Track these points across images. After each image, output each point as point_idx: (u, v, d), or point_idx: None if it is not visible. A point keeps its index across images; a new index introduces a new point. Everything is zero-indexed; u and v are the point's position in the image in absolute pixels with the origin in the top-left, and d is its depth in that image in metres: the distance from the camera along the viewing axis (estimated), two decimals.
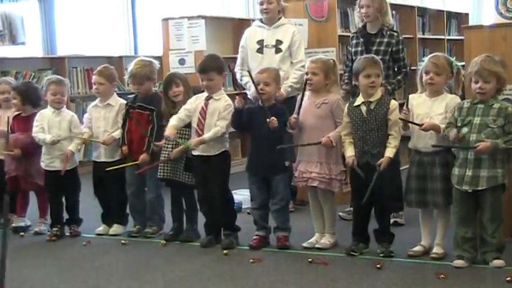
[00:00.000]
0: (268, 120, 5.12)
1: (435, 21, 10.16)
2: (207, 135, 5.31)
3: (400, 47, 6.03)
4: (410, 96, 5.09)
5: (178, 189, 5.69)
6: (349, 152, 5.04)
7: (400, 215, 5.86)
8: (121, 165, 5.74)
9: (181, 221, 5.74)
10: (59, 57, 10.39)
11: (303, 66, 6.17)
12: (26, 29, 13.75)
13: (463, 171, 4.68)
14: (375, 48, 6.00)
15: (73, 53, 10.93)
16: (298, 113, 5.20)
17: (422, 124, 4.79)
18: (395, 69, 6.02)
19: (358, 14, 6.21)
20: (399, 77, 5.98)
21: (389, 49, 5.98)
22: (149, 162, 5.66)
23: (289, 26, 6.49)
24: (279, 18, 6.47)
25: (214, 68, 5.41)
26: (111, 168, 5.71)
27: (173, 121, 5.38)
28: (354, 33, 6.28)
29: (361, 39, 6.11)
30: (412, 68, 7.37)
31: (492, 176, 4.64)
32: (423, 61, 5.04)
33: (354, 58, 5.86)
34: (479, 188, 4.64)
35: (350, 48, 6.20)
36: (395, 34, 6.06)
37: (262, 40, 6.40)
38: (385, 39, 6.01)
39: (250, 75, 5.51)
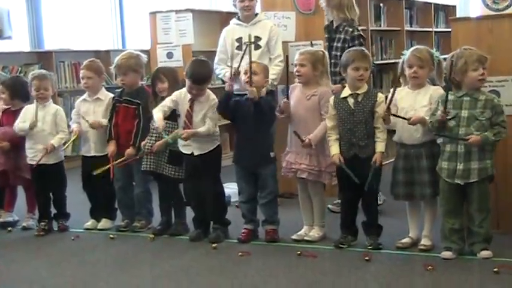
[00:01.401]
0: (248, 94, 5.14)
1: (423, 13, 10.19)
2: (201, 128, 5.31)
3: (356, 42, 5.98)
4: (392, 89, 5.10)
5: (165, 183, 5.68)
6: (334, 150, 5.04)
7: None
8: (108, 166, 5.70)
9: (169, 215, 5.73)
10: (46, 51, 10.32)
11: (281, 61, 6.21)
12: (13, 23, 13.69)
13: (454, 165, 4.69)
14: (334, 44, 6.09)
15: (60, 47, 10.88)
16: (287, 98, 5.22)
17: (410, 118, 4.80)
18: None
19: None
20: None
21: (346, 45, 5.95)
22: (136, 156, 5.65)
23: (266, 22, 6.50)
24: (256, 15, 6.49)
25: (208, 79, 5.44)
26: (99, 170, 5.67)
27: (159, 113, 5.35)
28: (325, 28, 6.36)
29: (327, 35, 6.21)
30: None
31: (483, 167, 4.67)
32: (404, 54, 5.04)
33: None
34: (471, 181, 4.66)
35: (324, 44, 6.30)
36: (350, 30, 6.04)
37: (241, 38, 6.40)
38: (342, 36, 6.05)
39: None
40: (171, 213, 5.74)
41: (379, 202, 5.83)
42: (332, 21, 6.24)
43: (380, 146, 4.95)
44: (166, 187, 5.69)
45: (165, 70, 5.89)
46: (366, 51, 5.26)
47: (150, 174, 5.70)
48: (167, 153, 5.53)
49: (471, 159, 4.66)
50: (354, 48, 5.40)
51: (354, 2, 6.25)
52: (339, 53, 5.86)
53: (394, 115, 4.87)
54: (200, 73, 5.37)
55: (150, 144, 5.55)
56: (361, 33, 6.17)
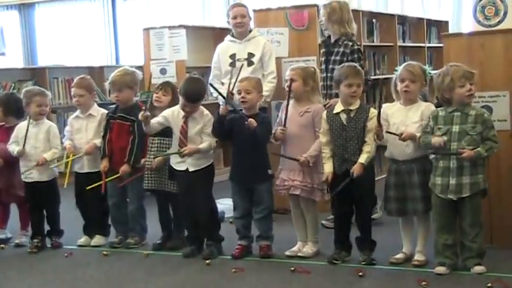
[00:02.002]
0: (246, 123, 5.14)
1: (415, 29, 10.22)
2: (202, 145, 5.33)
3: (355, 56, 6.04)
4: (384, 105, 5.13)
5: (164, 198, 5.69)
6: (328, 167, 5.06)
7: (374, 209, 5.88)
8: (101, 182, 5.70)
9: (170, 230, 5.75)
10: (39, 67, 10.35)
11: (274, 78, 6.30)
12: (6, 39, 13.72)
13: (446, 180, 4.71)
14: (332, 58, 6.12)
15: (54, 64, 10.89)
16: (284, 124, 5.22)
17: (402, 134, 4.82)
18: None
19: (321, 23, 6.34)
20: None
21: (345, 58, 6.01)
22: (130, 173, 5.66)
23: (260, 38, 6.56)
24: (250, 31, 6.54)
25: (201, 98, 5.47)
26: (91, 186, 5.68)
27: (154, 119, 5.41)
28: (322, 42, 6.41)
29: (324, 49, 6.25)
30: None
31: (474, 182, 4.68)
32: (396, 70, 5.07)
33: (321, 68, 6.06)
34: (464, 196, 4.68)
35: (320, 58, 6.34)
36: (350, 44, 6.10)
37: (235, 54, 6.46)
38: (341, 49, 6.09)
39: (214, 87, 5.69)
40: (171, 227, 5.75)
41: (376, 216, 5.89)
42: (329, 36, 6.27)
43: (361, 158, 4.94)
44: (166, 202, 5.69)
45: (174, 86, 5.84)
46: (359, 67, 5.29)
47: (152, 192, 5.73)
48: (167, 170, 5.54)
49: (463, 174, 4.67)
50: (347, 64, 5.42)
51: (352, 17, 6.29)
52: (336, 66, 5.89)
53: (386, 131, 4.88)
54: (194, 91, 5.38)
55: (149, 162, 5.57)
56: (360, 47, 6.22)
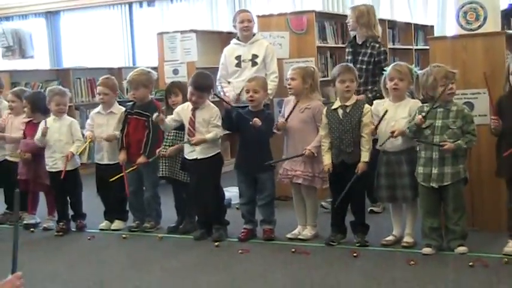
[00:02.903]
0: (251, 123, 5.13)
1: (404, 32, 10.18)
2: (208, 135, 5.31)
3: (382, 57, 6.02)
4: (374, 102, 5.13)
5: (179, 185, 5.68)
6: (327, 159, 5.05)
7: (377, 204, 5.89)
8: (122, 174, 5.69)
9: (184, 214, 5.74)
10: (64, 69, 10.33)
11: (276, 77, 6.31)
12: (34, 44, 13.72)
13: (429, 169, 4.70)
14: (360, 58, 6.07)
15: (77, 65, 10.88)
16: (287, 118, 5.21)
17: (393, 132, 4.80)
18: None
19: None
20: (370, 95, 5.91)
21: (372, 59, 6.00)
22: (146, 164, 5.66)
23: (263, 41, 6.54)
24: (253, 35, 6.52)
25: (208, 89, 5.44)
26: (114, 178, 5.67)
27: (169, 119, 5.42)
28: (349, 42, 6.33)
29: (351, 49, 6.19)
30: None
31: (455, 172, 4.68)
32: (385, 70, 5.05)
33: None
34: (445, 184, 4.67)
35: (346, 57, 6.26)
36: (377, 45, 6.06)
37: (240, 56, 6.45)
38: (369, 50, 6.04)
39: (220, 97, 5.74)
40: (185, 213, 5.75)
41: (378, 211, 5.87)
42: (355, 37, 6.20)
43: (364, 156, 4.94)
44: (180, 189, 5.69)
45: (179, 84, 5.91)
46: (350, 65, 5.33)
47: (166, 179, 5.73)
48: (180, 161, 5.54)
49: (445, 164, 4.66)
50: (340, 64, 5.42)
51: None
52: (364, 66, 5.92)
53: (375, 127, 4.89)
54: (200, 81, 5.39)
55: (164, 150, 5.57)
56: (386, 49, 6.20)
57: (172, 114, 5.54)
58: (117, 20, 13.80)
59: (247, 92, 5.34)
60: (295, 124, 5.25)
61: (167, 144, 5.62)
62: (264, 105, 5.57)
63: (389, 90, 4.98)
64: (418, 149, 4.86)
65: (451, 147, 4.60)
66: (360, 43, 6.12)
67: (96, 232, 5.86)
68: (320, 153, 5.13)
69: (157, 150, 5.63)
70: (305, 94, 5.26)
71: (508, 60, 4.88)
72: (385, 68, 5.14)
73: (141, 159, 5.67)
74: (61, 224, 5.89)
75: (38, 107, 6.09)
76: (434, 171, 4.68)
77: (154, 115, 5.33)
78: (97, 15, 13.99)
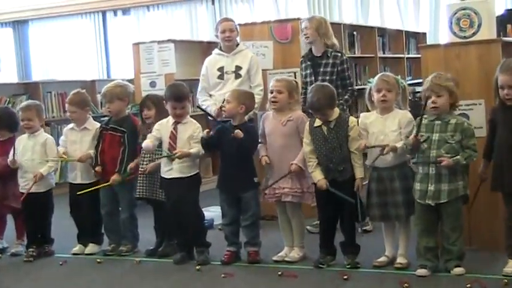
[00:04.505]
0: (232, 134, 5.14)
1: (395, 40, 10.28)
2: (193, 150, 5.31)
3: (345, 66, 6.10)
4: (361, 115, 5.15)
5: (158, 207, 5.67)
6: (318, 175, 5.05)
7: (366, 222, 5.91)
8: (93, 188, 5.69)
9: (163, 236, 5.73)
10: (33, 82, 10.31)
11: (261, 90, 6.35)
12: (1, 55, 13.69)
13: (425, 186, 4.72)
14: (321, 69, 6.10)
15: (47, 78, 10.87)
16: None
17: (384, 148, 4.82)
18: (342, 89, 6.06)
19: (303, 39, 6.30)
20: (346, 96, 6.02)
21: (335, 69, 6.06)
22: (121, 183, 5.64)
23: (247, 52, 6.57)
24: (237, 45, 6.54)
25: (187, 96, 5.47)
26: (83, 191, 5.67)
27: (150, 137, 5.40)
28: (302, 57, 6.37)
29: (309, 63, 6.22)
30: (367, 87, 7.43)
31: (453, 189, 4.69)
32: (370, 82, 5.09)
33: (304, 81, 6.08)
34: (441, 201, 4.69)
35: (301, 72, 6.31)
36: (339, 55, 6.14)
37: (223, 67, 6.46)
38: (330, 60, 6.09)
39: (202, 109, 5.80)
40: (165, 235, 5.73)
41: (369, 228, 5.89)
42: (310, 50, 6.26)
43: (358, 172, 4.97)
44: (160, 211, 5.67)
45: (153, 98, 5.89)
46: (325, 84, 5.34)
47: (145, 200, 5.73)
48: (159, 179, 5.53)
49: (442, 180, 4.69)
50: (315, 84, 5.44)
51: None
52: (327, 78, 5.95)
53: (371, 146, 4.90)
54: (178, 91, 5.41)
55: (143, 167, 5.56)
56: (347, 58, 6.25)
57: (147, 127, 5.55)
58: (90, 30, 13.82)
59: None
60: (279, 140, 5.26)
61: (145, 161, 5.61)
62: (249, 119, 5.58)
63: (376, 103, 5.00)
64: (411, 164, 4.88)
65: (449, 163, 4.62)
66: (319, 55, 6.18)
67: (68, 257, 5.81)
68: (306, 166, 5.14)
69: (129, 166, 5.61)
70: (288, 108, 5.29)
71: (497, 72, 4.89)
72: (369, 80, 5.18)
73: (116, 177, 5.65)
74: (31, 250, 5.83)
75: (5, 123, 6.06)
76: (431, 187, 4.70)
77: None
78: (68, 24, 14.00)
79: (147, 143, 5.34)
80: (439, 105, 4.72)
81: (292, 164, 5.15)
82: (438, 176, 4.68)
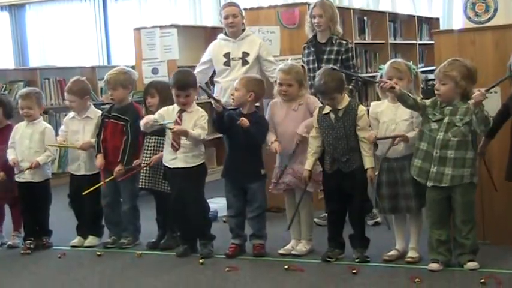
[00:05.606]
0: (238, 122, 5.15)
1: (406, 26, 10.25)
2: (192, 132, 5.28)
3: (350, 54, 6.14)
4: (372, 103, 5.16)
5: (161, 198, 5.69)
6: (308, 164, 5.10)
7: (374, 213, 5.91)
8: (97, 185, 5.70)
9: (165, 229, 5.74)
10: (30, 68, 10.34)
11: None
12: None
13: (427, 166, 4.72)
14: (325, 56, 6.12)
15: (45, 64, 10.87)
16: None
17: (395, 138, 4.84)
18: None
19: (309, 24, 6.30)
20: (350, 87, 5.98)
21: (339, 57, 6.09)
22: (124, 173, 5.66)
23: (254, 38, 6.54)
24: (243, 30, 6.51)
25: (192, 85, 5.43)
26: (88, 190, 5.67)
27: (148, 117, 5.39)
28: (305, 43, 6.37)
29: (312, 49, 6.23)
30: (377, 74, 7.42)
31: (456, 175, 4.67)
32: (381, 69, 5.08)
33: (306, 67, 6.01)
34: (443, 185, 4.68)
35: (303, 58, 6.31)
36: (344, 42, 6.16)
37: (229, 53, 6.42)
38: (335, 48, 6.11)
39: (204, 89, 5.71)
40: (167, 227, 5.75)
41: (379, 220, 5.89)
42: (315, 36, 6.26)
43: (368, 162, 4.96)
44: (163, 201, 5.69)
45: (157, 85, 5.88)
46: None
47: (148, 191, 5.73)
48: (163, 170, 5.54)
49: (446, 164, 4.67)
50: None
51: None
52: (331, 65, 5.92)
53: (382, 138, 4.91)
54: (183, 79, 5.40)
55: (146, 159, 5.58)
56: (353, 46, 6.26)
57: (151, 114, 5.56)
58: (89, 14, 13.80)
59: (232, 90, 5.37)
60: (291, 126, 5.27)
61: (148, 152, 5.62)
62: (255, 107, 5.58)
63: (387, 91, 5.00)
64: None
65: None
66: (324, 41, 6.18)
67: (67, 249, 5.83)
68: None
69: (135, 162, 5.63)
70: (298, 95, 5.30)
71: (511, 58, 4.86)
72: (380, 67, 5.17)
73: (119, 168, 5.65)
74: (28, 242, 5.85)
75: (3, 111, 6.07)
76: (433, 169, 4.69)
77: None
78: (67, 8, 13.98)
79: (143, 121, 5.32)
80: (441, 93, 4.72)
81: (297, 133, 5.19)
82: (443, 160, 4.67)
